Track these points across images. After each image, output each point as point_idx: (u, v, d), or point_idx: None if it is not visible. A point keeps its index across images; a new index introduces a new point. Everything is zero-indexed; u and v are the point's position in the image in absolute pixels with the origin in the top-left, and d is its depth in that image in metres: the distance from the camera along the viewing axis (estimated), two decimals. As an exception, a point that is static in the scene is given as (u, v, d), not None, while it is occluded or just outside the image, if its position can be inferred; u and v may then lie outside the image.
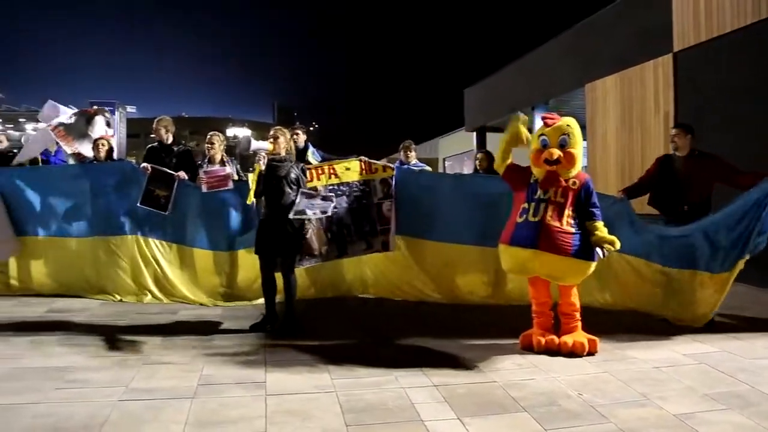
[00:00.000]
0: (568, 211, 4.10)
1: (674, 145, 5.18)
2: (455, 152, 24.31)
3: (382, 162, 6.20)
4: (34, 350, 4.16)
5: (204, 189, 5.78)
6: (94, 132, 6.83)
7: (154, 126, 6.24)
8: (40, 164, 7.09)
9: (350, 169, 5.97)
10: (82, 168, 6.23)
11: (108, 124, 7.14)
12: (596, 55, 10.73)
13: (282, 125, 5.65)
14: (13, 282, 6.09)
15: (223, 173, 5.77)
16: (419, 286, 6.14)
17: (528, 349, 4.23)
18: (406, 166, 6.80)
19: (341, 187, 5.90)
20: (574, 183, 4.16)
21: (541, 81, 13.26)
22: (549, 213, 4.06)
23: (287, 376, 3.64)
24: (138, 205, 5.72)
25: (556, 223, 4.04)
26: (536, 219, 4.07)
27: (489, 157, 6.81)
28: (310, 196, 4.79)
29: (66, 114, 6.87)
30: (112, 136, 7.13)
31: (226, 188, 5.77)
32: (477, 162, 6.57)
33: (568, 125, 4.20)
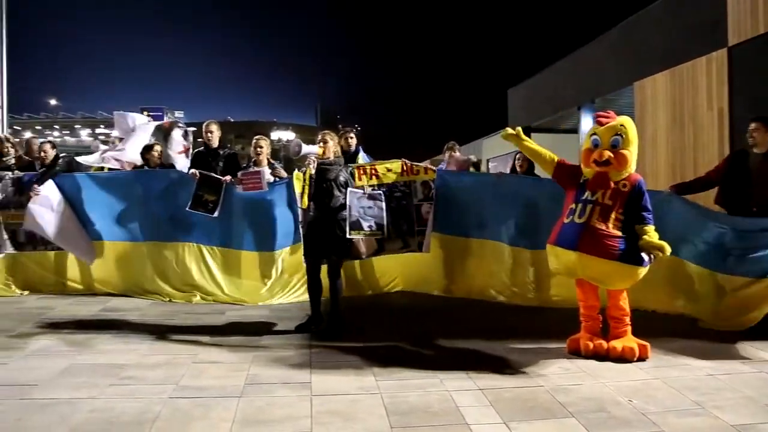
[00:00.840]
0: (615, 214, 3.97)
1: (752, 141, 4.88)
2: (499, 153, 24.01)
3: (424, 164, 6.20)
4: (90, 347, 4.32)
5: (239, 190, 5.89)
6: (173, 148, 6.95)
7: (202, 130, 6.40)
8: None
9: (391, 171, 6.01)
10: (135, 174, 6.44)
11: (185, 135, 7.15)
12: (645, 51, 10.45)
13: (325, 128, 5.72)
14: (70, 282, 6.37)
15: (257, 175, 5.83)
16: (461, 285, 6.14)
17: (575, 353, 4.14)
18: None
19: (381, 188, 5.93)
20: (624, 185, 4.02)
21: (587, 80, 13.00)
22: (595, 215, 3.94)
23: (332, 377, 3.66)
24: (187, 209, 5.88)
25: (602, 226, 3.92)
26: (581, 221, 3.96)
27: (529, 159, 6.72)
28: (358, 196, 4.82)
29: (139, 121, 6.97)
30: (188, 148, 7.12)
31: (261, 190, 5.84)
32: (517, 163, 6.48)
33: (622, 125, 4.05)
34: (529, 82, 16.88)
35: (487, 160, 25.72)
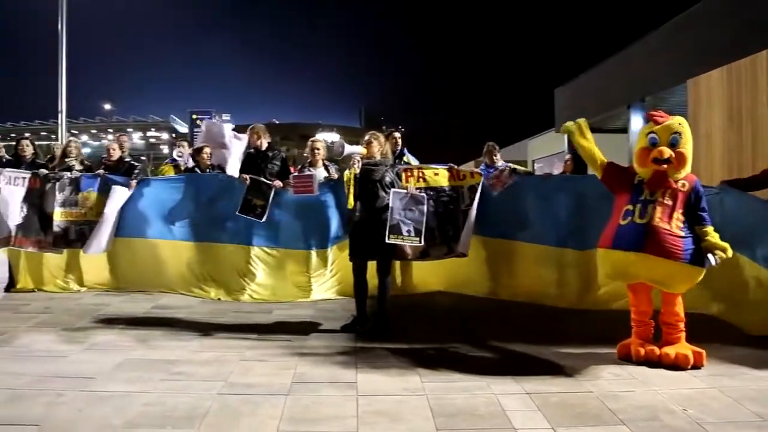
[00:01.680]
0: (677, 214, 3.84)
1: None
2: (545, 154, 23.66)
3: (470, 168, 6.17)
4: (143, 343, 4.46)
5: (290, 192, 6.00)
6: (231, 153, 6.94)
7: (248, 133, 6.51)
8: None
9: (438, 175, 6.01)
10: (187, 177, 6.64)
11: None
12: (700, 48, 10.10)
13: (369, 130, 5.75)
14: (123, 279, 6.60)
15: (309, 179, 5.90)
16: (506, 288, 6.09)
17: (626, 359, 4.02)
18: (492, 169, 6.71)
19: (428, 191, 5.93)
20: (684, 185, 3.90)
21: (638, 78, 12.65)
22: (657, 215, 3.82)
23: (378, 377, 3.68)
24: (237, 214, 6.03)
25: (666, 226, 3.80)
26: (643, 221, 3.83)
27: (576, 160, 6.59)
28: (401, 197, 4.77)
29: (228, 133, 6.93)
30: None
31: (312, 194, 5.92)
32: (564, 164, 6.37)
33: (679, 123, 3.93)
34: (577, 82, 16.55)
35: (533, 161, 25.41)
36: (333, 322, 5.16)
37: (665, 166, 3.85)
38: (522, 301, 5.91)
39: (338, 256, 6.16)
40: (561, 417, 3.06)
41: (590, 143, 4.37)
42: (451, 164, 6.11)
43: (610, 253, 4.01)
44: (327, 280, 6.25)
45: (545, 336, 4.65)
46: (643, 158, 3.94)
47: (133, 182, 6.40)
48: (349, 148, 5.10)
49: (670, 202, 3.86)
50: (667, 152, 3.82)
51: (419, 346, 4.38)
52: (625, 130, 13.62)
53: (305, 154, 6.59)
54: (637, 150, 4.02)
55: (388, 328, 4.80)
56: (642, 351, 3.95)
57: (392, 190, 4.78)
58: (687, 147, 3.91)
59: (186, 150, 7.65)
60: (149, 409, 3.15)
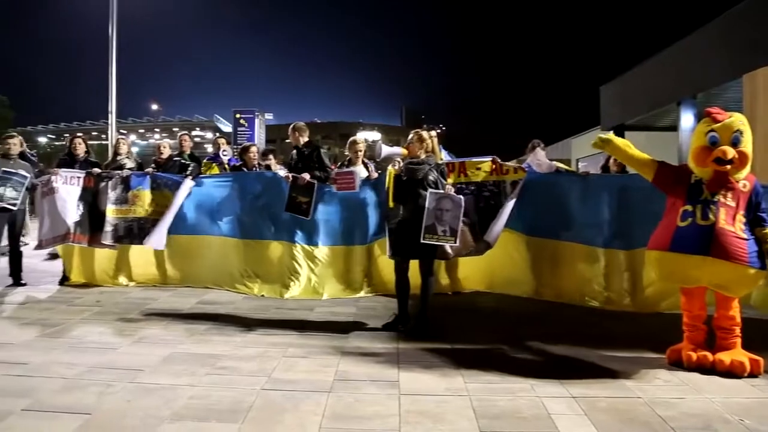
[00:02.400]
0: (740, 215, 3.68)
1: None
2: (589, 153, 23.11)
3: (514, 163, 6.07)
4: (189, 338, 4.55)
5: (334, 189, 6.04)
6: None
7: (289, 132, 6.58)
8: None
9: (481, 169, 5.93)
10: (234, 176, 6.76)
11: None
12: (756, 41, 9.66)
13: (410, 128, 5.72)
14: (170, 275, 6.76)
15: (351, 175, 5.93)
16: (550, 288, 6.00)
17: (677, 364, 3.87)
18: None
19: (470, 186, 5.88)
20: (745, 185, 3.73)
21: (688, 74, 12.21)
22: (722, 216, 3.66)
23: (420, 377, 3.65)
24: (285, 212, 6.12)
25: (731, 228, 3.64)
26: (706, 223, 3.66)
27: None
28: (437, 197, 4.72)
29: None
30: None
31: (353, 190, 5.94)
32: (612, 163, 6.19)
33: (741, 122, 3.76)
34: (623, 78, 16.06)
35: (577, 160, 24.89)
36: (374, 320, 5.16)
37: (728, 166, 3.69)
38: (566, 302, 5.81)
39: (379, 254, 6.17)
40: (609, 423, 2.98)
41: (628, 149, 4.19)
42: (495, 156, 6.02)
43: (666, 255, 3.84)
44: (368, 278, 6.26)
45: (590, 338, 4.53)
46: (702, 158, 3.77)
47: (190, 179, 6.56)
48: (387, 150, 5.06)
49: (732, 204, 3.69)
50: (731, 152, 3.64)
51: (462, 346, 4.33)
52: (674, 128, 13.16)
53: (346, 153, 6.62)
54: (694, 149, 3.84)
55: (430, 328, 4.76)
56: (694, 356, 3.80)
57: (429, 190, 4.72)
58: (749, 146, 3.74)
59: (228, 147, 7.80)
60: (194, 402, 3.21)
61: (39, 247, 6.79)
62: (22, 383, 3.48)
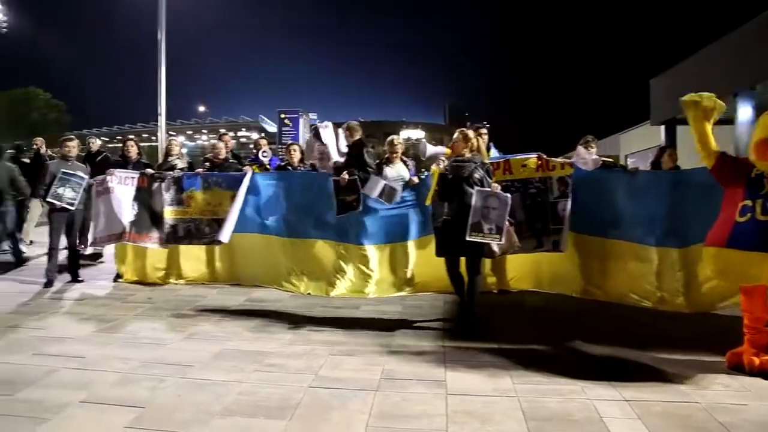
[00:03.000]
0: None
1: None
2: (639, 148, 22.47)
3: (560, 159, 5.94)
4: (237, 335, 4.63)
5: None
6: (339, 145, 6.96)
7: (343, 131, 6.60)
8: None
9: (526, 166, 5.85)
10: (280, 175, 6.81)
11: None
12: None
13: (454, 126, 5.68)
14: (219, 273, 6.89)
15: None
16: (599, 288, 5.85)
17: (737, 369, 3.71)
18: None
19: (515, 184, 5.81)
20: None
21: (746, 64, 11.69)
22: None
23: (467, 377, 3.61)
24: (337, 216, 6.19)
25: None
26: (767, 218, 3.53)
27: (676, 155, 6.16)
28: (484, 195, 4.66)
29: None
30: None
31: (390, 203, 6.00)
32: (667, 157, 5.98)
33: None
34: (674, 70, 15.50)
35: (626, 157, 24.23)
36: (420, 318, 5.15)
37: None
38: (616, 301, 5.67)
39: (424, 252, 6.15)
40: (664, 428, 2.88)
41: (708, 126, 3.98)
42: (540, 153, 5.93)
43: (724, 252, 3.69)
44: (413, 276, 6.24)
45: (643, 339, 4.39)
46: (763, 151, 3.60)
47: (250, 170, 6.69)
48: (432, 149, 5.04)
49: None
50: None
51: (509, 346, 4.26)
52: (730, 120, 12.64)
53: (383, 151, 6.62)
54: (757, 141, 3.66)
55: (476, 327, 4.71)
56: (756, 361, 3.63)
57: (476, 188, 4.68)
58: None
59: (269, 149, 7.88)
60: (243, 398, 3.26)
61: (93, 244, 7.05)
62: (80, 376, 3.61)
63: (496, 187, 4.78)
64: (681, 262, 5.37)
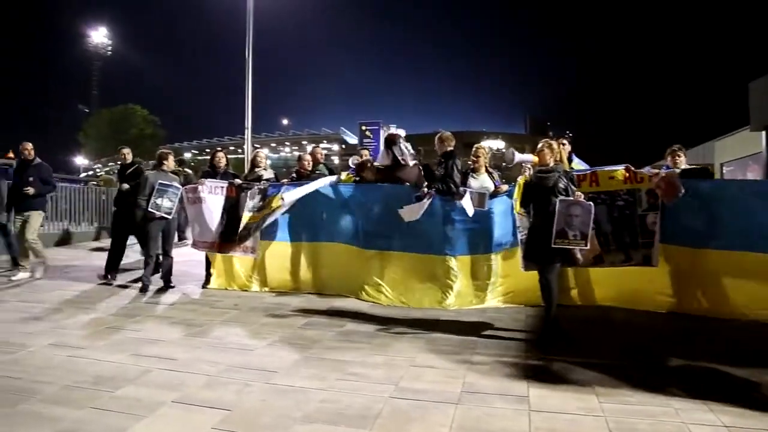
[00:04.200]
0: None
1: None
2: (736, 156, 21.02)
3: (648, 170, 5.67)
4: (319, 343, 4.71)
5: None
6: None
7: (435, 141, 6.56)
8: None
9: (614, 178, 5.64)
10: (363, 187, 6.85)
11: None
12: None
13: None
14: (302, 281, 7.05)
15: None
16: (693, 301, 5.54)
17: None
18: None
19: (602, 196, 5.62)
20: None
21: None
22: None
23: (551, 393, 3.49)
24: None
25: None
26: None
27: None
28: (567, 204, 4.61)
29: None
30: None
31: (483, 209, 5.90)
32: None
33: None
34: (777, 73, 14.47)
35: (721, 165, 22.72)
36: (502, 331, 5.05)
37: None
38: (713, 316, 5.33)
39: (506, 264, 6.03)
40: (770, 459, 2.65)
41: None
42: (628, 165, 5.68)
43: None
44: (496, 288, 6.14)
45: (745, 358, 4.09)
46: None
47: (334, 179, 6.86)
48: (519, 156, 5.02)
49: None
50: None
51: (596, 362, 4.08)
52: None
53: (469, 162, 6.55)
54: None
55: (561, 341, 4.57)
56: None
57: (559, 197, 4.67)
58: None
59: (357, 159, 7.99)
60: (325, 405, 3.31)
61: (194, 246, 7.42)
62: (172, 377, 3.80)
63: (579, 196, 4.71)
64: None
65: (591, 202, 4.69)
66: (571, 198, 4.69)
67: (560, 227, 4.59)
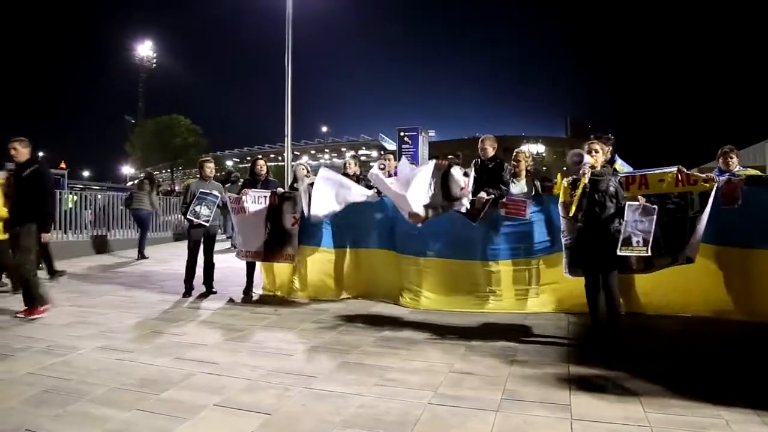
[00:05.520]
0: None
1: None
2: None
3: (696, 172, 5.48)
4: (357, 348, 4.72)
5: (502, 213, 5.99)
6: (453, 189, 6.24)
7: (479, 144, 6.49)
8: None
9: (664, 181, 5.45)
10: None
11: (466, 174, 6.20)
12: None
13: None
14: (343, 287, 7.09)
15: (523, 204, 5.87)
16: (746, 306, 5.33)
17: None
18: (727, 175, 5.87)
19: (651, 198, 5.43)
20: None
21: None
22: None
23: (594, 401, 3.41)
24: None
25: None
26: None
27: None
28: (633, 209, 4.45)
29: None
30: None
31: (523, 218, 5.86)
32: None
33: None
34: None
35: (775, 166, 21.81)
36: (543, 337, 4.97)
37: None
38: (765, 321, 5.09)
39: (549, 270, 5.93)
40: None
41: None
42: (680, 166, 5.48)
43: None
44: (537, 294, 6.04)
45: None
46: None
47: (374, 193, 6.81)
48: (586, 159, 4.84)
49: None
50: None
51: (640, 370, 3.96)
52: None
53: (509, 166, 6.46)
54: None
55: (605, 349, 4.43)
56: None
57: (627, 202, 4.52)
58: None
59: (391, 163, 7.95)
60: (363, 411, 3.31)
61: (238, 256, 7.51)
62: (213, 381, 3.87)
63: (642, 200, 4.59)
64: None
65: (655, 206, 4.51)
66: (637, 203, 4.54)
67: (627, 234, 4.44)
